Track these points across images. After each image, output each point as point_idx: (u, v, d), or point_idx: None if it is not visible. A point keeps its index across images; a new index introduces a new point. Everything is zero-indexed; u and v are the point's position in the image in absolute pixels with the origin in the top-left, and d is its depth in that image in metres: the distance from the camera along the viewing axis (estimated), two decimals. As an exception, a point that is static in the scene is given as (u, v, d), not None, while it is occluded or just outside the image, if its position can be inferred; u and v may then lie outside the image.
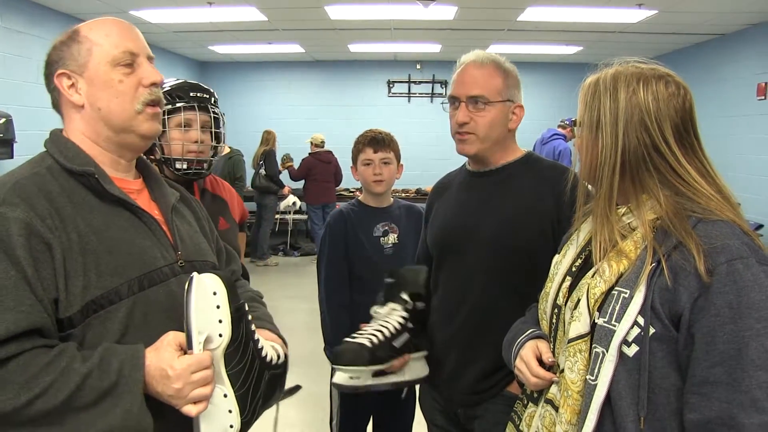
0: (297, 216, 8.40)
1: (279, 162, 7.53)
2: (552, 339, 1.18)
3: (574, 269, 1.16)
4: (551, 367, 1.15)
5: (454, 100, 1.58)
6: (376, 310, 1.63)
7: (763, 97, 5.87)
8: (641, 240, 1.03)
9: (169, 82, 1.76)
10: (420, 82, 9.33)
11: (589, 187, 1.16)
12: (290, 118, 9.13)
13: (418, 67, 9.21)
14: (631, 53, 1.13)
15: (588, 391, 1.01)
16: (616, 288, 1.01)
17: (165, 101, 1.65)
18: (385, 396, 2.15)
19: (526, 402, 1.24)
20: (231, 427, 1.02)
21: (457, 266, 1.62)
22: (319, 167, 7.29)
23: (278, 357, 1.12)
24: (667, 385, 0.97)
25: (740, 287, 0.92)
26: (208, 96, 1.80)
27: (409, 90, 9.40)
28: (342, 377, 1.58)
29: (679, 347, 0.96)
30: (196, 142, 1.74)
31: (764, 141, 5.89)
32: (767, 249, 0.99)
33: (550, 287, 1.20)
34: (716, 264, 0.93)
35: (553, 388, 1.13)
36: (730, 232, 0.97)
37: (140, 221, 1.09)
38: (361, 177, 2.18)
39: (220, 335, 1.00)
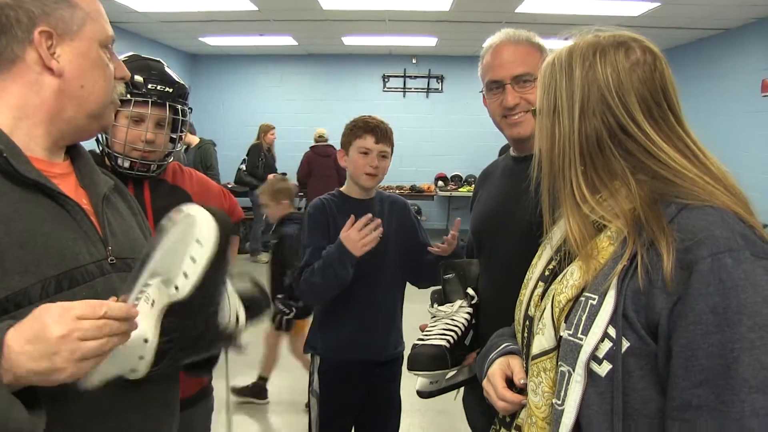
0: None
1: (265, 145, 7.30)
2: (525, 355, 1.01)
3: (547, 273, 1.00)
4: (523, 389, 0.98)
5: (494, 85, 1.48)
6: (438, 308, 1.53)
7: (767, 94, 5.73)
8: (616, 235, 0.86)
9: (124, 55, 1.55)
10: (416, 77, 9.15)
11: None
12: (283, 112, 8.91)
13: (414, 61, 9.02)
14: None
15: (555, 417, 0.85)
16: (585, 294, 0.84)
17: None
18: (367, 409, 2.03)
19: (498, 427, 1.08)
20: (133, 371, 0.86)
21: (492, 256, 1.51)
22: (318, 161, 7.10)
23: (233, 321, 1.00)
24: (650, 411, 0.79)
25: (728, 287, 0.74)
26: (171, 90, 1.57)
27: (405, 85, 9.20)
28: (424, 383, 1.52)
29: (659, 364, 0.79)
30: (145, 141, 1.54)
31: (769, 138, 5.74)
32: None
33: (524, 294, 1.04)
34: (697, 259, 0.75)
35: (523, 413, 0.97)
36: (719, 219, 0.79)
37: (63, 209, 0.93)
38: (351, 165, 1.97)
39: (177, 288, 0.86)
